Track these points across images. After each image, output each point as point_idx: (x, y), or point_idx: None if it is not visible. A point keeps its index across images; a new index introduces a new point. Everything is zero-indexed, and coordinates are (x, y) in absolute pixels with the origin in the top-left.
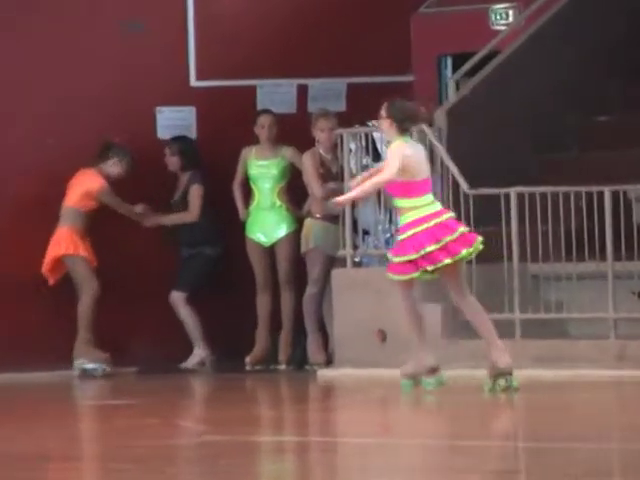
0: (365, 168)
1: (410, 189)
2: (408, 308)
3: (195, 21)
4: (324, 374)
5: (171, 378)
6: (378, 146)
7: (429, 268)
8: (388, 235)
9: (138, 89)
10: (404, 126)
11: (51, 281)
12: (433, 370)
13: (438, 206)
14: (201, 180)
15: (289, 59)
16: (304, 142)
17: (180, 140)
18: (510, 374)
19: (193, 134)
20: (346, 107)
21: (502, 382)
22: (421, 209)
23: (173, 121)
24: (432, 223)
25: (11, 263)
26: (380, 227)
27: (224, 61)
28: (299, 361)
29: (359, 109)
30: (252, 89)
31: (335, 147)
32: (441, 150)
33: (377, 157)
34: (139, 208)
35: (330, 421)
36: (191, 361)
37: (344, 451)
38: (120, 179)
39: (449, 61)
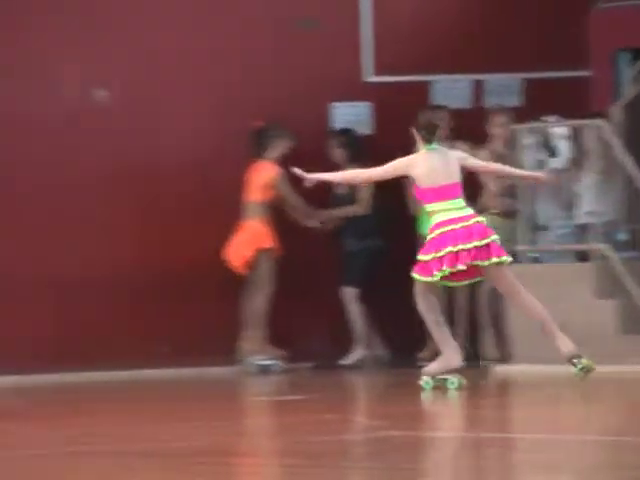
0: (540, 163)
1: (432, 195)
2: (427, 310)
3: (371, 17)
4: (499, 370)
5: (346, 374)
6: (554, 142)
7: (445, 269)
8: (565, 230)
9: (313, 85)
10: (423, 136)
11: (243, 271)
12: (458, 370)
13: (468, 211)
14: None
15: (465, 54)
16: (479, 137)
17: (346, 133)
18: (580, 356)
19: (368, 130)
20: (522, 102)
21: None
22: (448, 212)
23: (348, 117)
24: (459, 226)
25: (182, 261)
26: (557, 222)
27: (399, 57)
28: (474, 357)
29: (535, 104)
30: (427, 85)
31: (510, 142)
32: (618, 145)
33: (552, 152)
34: (313, 222)
35: (505, 417)
36: (351, 358)
37: (518, 447)
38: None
39: (627, 56)
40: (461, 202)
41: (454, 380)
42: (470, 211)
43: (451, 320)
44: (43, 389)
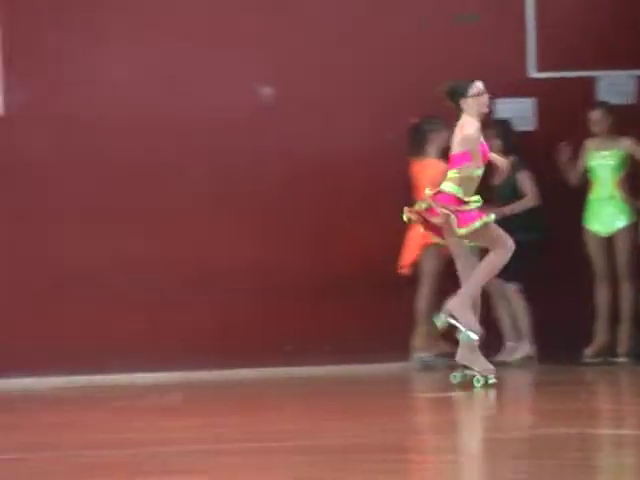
0: None
1: None
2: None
3: (535, 12)
4: None
5: (503, 370)
6: None
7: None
8: None
9: (475, 78)
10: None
11: (407, 271)
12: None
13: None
14: (525, 166)
15: (630, 50)
16: None
17: (502, 123)
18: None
19: (531, 126)
20: None
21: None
22: None
23: (512, 112)
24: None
25: (350, 258)
26: None
27: (563, 52)
28: (639, 354)
29: None
30: (592, 80)
31: None
32: None
33: None
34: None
35: None
36: (515, 355)
37: None
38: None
39: None
40: (449, 174)
41: (457, 374)
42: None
43: (618, 316)
44: (212, 385)
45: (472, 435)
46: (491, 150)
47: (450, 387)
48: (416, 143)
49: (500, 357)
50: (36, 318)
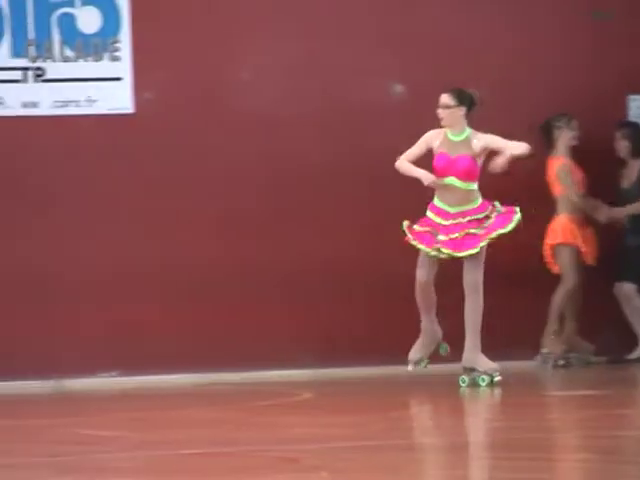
0: None
1: None
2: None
3: None
4: None
5: (636, 368)
6: None
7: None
8: None
9: (610, 77)
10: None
11: (555, 269)
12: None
13: None
14: None
15: None
16: None
17: (631, 125)
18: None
19: None
20: None
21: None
22: None
23: None
24: None
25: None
26: None
27: None
28: None
29: None
30: None
31: None
32: None
33: None
34: (602, 217)
35: None
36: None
37: None
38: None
39: None
40: None
41: (465, 378)
42: None
43: None
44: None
45: (602, 433)
46: (621, 153)
47: (580, 385)
48: (546, 140)
49: (633, 355)
50: (173, 319)
